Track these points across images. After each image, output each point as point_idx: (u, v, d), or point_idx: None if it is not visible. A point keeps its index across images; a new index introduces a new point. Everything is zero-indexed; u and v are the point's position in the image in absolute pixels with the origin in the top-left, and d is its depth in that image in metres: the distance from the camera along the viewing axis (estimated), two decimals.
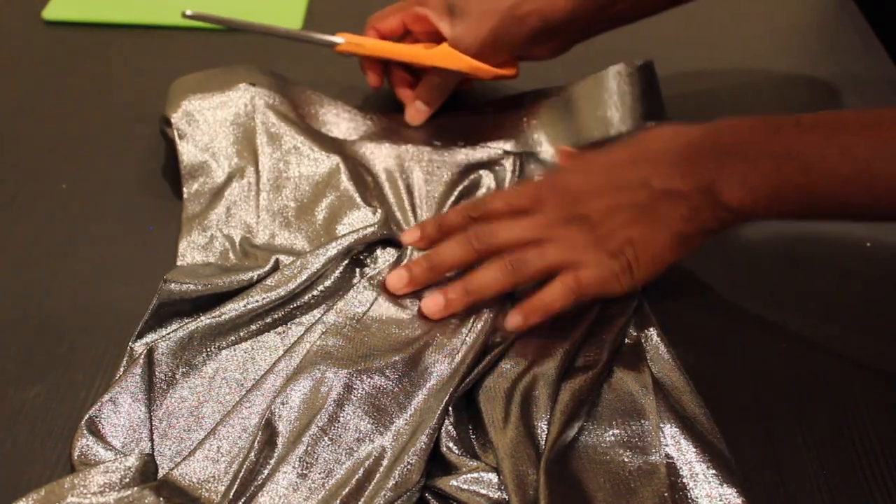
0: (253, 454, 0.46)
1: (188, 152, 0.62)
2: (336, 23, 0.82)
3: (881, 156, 0.47)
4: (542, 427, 0.48)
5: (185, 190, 0.61)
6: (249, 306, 0.52)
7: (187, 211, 0.60)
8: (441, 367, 0.50)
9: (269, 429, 0.47)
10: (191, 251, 0.58)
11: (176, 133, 0.63)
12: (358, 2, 0.86)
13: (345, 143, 0.66)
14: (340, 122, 0.69)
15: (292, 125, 0.65)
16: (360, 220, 0.59)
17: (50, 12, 0.81)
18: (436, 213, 0.62)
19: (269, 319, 0.54)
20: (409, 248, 0.58)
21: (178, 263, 0.57)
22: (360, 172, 0.64)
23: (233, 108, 0.64)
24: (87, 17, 0.81)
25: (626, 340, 0.54)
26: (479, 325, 0.52)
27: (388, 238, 0.58)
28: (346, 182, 0.62)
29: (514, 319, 0.52)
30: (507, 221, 0.54)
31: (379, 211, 0.60)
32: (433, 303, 0.53)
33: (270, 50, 0.78)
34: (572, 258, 0.52)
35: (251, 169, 0.62)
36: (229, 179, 0.62)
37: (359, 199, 0.61)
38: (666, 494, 0.45)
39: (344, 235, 0.56)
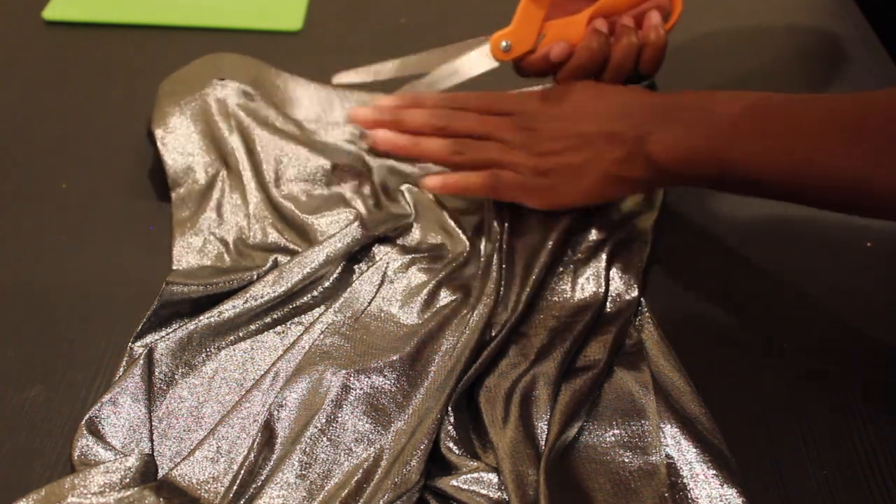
0: (252, 455, 0.46)
1: (170, 159, 0.62)
2: (336, 23, 0.82)
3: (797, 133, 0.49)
4: (542, 427, 0.48)
5: (172, 196, 0.61)
6: (248, 305, 0.52)
7: (176, 216, 0.60)
8: (439, 366, 0.50)
9: (268, 429, 0.47)
10: (185, 255, 0.58)
11: (159, 143, 0.63)
12: (358, 2, 0.86)
13: (328, 137, 0.66)
14: (316, 103, 0.69)
15: (267, 119, 0.64)
16: (348, 217, 0.59)
17: (50, 12, 0.81)
18: (427, 206, 0.62)
19: (268, 319, 0.54)
20: (411, 242, 0.58)
21: (174, 267, 0.57)
22: (343, 167, 0.63)
23: (206, 110, 0.64)
24: (87, 17, 0.81)
25: (627, 341, 0.54)
26: (475, 324, 0.52)
27: (385, 237, 0.58)
28: (330, 180, 0.62)
29: (432, 181, 0.60)
30: (471, 114, 0.61)
31: (361, 207, 0.61)
32: (386, 137, 0.61)
33: (270, 50, 0.78)
34: (506, 160, 0.59)
35: (234, 168, 0.62)
36: (213, 180, 0.62)
37: (347, 195, 0.61)
38: (666, 495, 0.45)
39: (338, 233, 0.56)
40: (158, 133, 0.63)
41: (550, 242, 0.57)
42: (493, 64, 0.62)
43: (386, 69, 0.65)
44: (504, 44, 0.61)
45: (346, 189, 0.62)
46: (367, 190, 0.63)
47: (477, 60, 0.63)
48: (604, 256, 0.57)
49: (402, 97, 0.63)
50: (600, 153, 0.57)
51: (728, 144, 0.51)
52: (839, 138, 0.48)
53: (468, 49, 0.63)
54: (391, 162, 0.65)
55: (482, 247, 0.59)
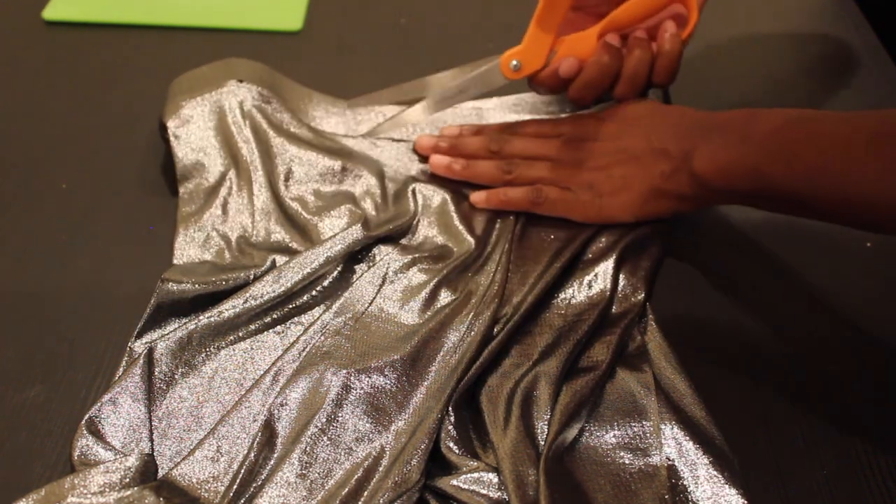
0: (252, 454, 0.46)
1: (182, 154, 0.62)
2: (336, 23, 0.82)
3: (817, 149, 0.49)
4: (542, 427, 0.48)
5: (180, 190, 0.61)
6: (248, 305, 0.52)
7: (182, 210, 0.60)
8: (440, 365, 0.50)
9: (268, 429, 0.47)
10: (187, 248, 0.58)
11: (171, 136, 0.63)
12: (358, 2, 0.86)
13: (336, 140, 0.66)
14: (330, 117, 0.69)
15: (282, 123, 0.65)
16: (355, 219, 0.59)
17: (50, 12, 0.81)
18: (435, 208, 0.62)
19: (267, 319, 0.54)
20: (412, 238, 0.59)
21: (175, 261, 0.57)
22: (353, 169, 0.64)
23: (223, 107, 0.64)
24: (87, 17, 0.81)
25: (630, 343, 0.54)
26: (478, 324, 0.52)
27: (386, 237, 0.58)
28: (339, 180, 0.62)
29: (477, 195, 0.61)
30: (524, 137, 0.63)
31: (370, 206, 0.61)
32: (440, 160, 0.63)
33: (270, 50, 0.78)
34: (554, 178, 0.61)
35: (244, 167, 0.62)
36: (222, 178, 0.62)
37: (357, 193, 0.61)
38: (667, 497, 0.45)
39: (339, 234, 0.56)
40: (171, 126, 0.63)
41: (567, 254, 0.57)
42: (504, 82, 0.63)
43: (398, 92, 0.66)
44: (514, 63, 0.62)
45: (356, 188, 0.62)
46: (376, 189, 0.63)
47: (487, 78, 0.63)
48: (613, 257, 0.57)
49: (464, 126, 0.66)
50: (647, 167, 0.58)
51: (764, 158, 0.51)
52: (874, 155, 0.47)
53: (478, 68, 0.64)
54: (403, 161, 0.65)
55: (489, 249, 0.59)
